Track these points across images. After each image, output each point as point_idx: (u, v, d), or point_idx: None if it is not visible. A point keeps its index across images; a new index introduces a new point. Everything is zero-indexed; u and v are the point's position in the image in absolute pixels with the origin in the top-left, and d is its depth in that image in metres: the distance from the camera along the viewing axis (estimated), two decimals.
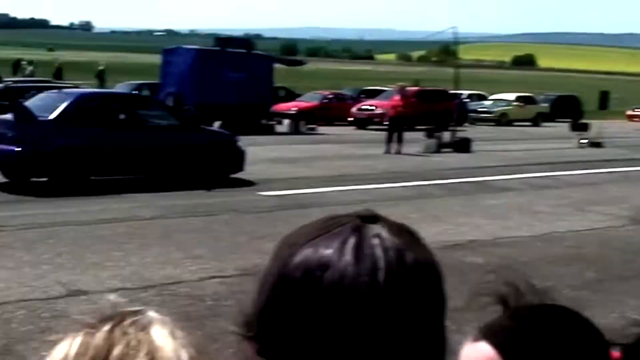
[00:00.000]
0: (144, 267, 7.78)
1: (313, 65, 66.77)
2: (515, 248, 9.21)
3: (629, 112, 45.62)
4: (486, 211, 11.73)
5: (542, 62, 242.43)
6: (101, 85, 33.66)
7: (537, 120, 38.64)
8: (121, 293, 6.80)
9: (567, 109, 41.95)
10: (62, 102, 13.16)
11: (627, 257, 8.96)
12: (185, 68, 24.80)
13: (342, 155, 19.52)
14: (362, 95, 36.16)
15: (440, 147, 21.30)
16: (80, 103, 13.38)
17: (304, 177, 14.95)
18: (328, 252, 0.84)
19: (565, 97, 45.01)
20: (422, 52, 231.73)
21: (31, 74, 33.68)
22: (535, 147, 24.08)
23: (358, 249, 0.83)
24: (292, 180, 14.39)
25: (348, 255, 0.83)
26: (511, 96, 40.74)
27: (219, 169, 13.95)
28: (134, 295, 6.75)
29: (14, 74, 33.33)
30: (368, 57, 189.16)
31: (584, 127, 27.05)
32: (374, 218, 0.87)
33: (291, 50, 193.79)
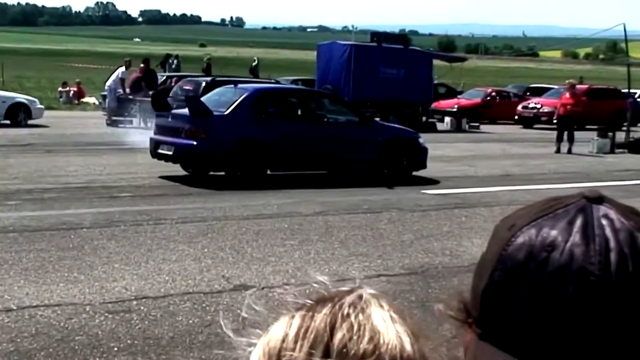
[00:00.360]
0: (307, 264, 7.63)
1: (472, 62, 65.38)
2: None
3: None
4: None
5: None
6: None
7: None
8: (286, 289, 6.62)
9: None
10: (238, 96, 13.07)
11: None
12: (340, 64, 24.48)
13: (507, 155, 18.83)
14: (527, 93, 34.86)
15: (614, 148, 20.19)
16: (256, 98, 13.30)
17: (468, 176, 14.54)
18: (553, 232, 0.78)
19: None
20: (588, 50, 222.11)
21: (176, 69, 34.61)
22: None
23: (586, 229, 0.78)
24: (455, 179, 13.96)
25: (576, 236, 0.78)
26: None
27: (402, 166, 13.61)
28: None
29: (163, 69, 34.31)
30: (531, 54, 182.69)
31: None
32: (600, 199, 0.81)
33: (449, 47, 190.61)
